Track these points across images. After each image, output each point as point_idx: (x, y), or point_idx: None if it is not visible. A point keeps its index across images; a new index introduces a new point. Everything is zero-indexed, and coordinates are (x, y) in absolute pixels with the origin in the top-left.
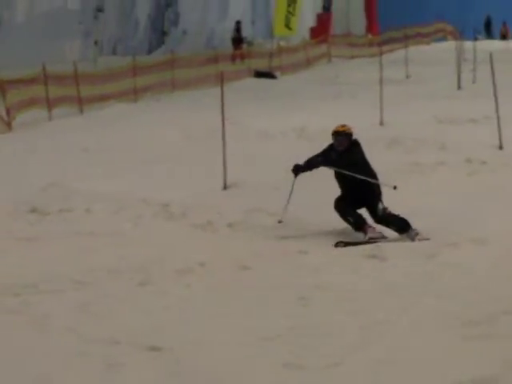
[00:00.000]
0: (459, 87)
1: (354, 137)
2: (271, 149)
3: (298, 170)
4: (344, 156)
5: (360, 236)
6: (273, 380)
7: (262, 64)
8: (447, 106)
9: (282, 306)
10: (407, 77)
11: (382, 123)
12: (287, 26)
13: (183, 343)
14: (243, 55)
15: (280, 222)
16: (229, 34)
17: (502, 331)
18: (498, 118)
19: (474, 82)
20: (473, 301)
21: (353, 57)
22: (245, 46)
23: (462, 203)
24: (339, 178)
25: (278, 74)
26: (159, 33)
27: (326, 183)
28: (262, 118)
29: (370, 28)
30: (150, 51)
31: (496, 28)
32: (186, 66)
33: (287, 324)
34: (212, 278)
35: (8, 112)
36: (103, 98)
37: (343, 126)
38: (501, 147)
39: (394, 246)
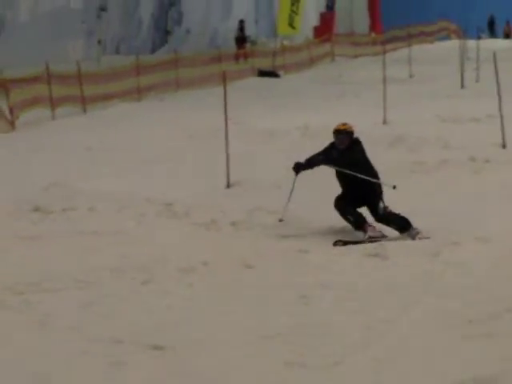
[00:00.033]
0: (462, 86)
1: (356, 135)
2: (274, 148)
3: (298, 168)
4: (345, 154)
5: (360, 235)
6: (274, 379)
7: (265, 63)
8: (450, 104)
9: (283, 305)
10: (410, 76)
11: (385, 122)
12: (291, 25)
13: (186, 342)
14: (247, 54)
15: (281, 220)
16: (232, 33)
17: (503, 330)
18: (502, 116)
19: (477, 81)
20: (474, 300)
21: (356, 56)
22: (248, 45)
23: (465, 202)
24: (340, 176)
25: (281, 73)
26: (163, 32)
27: (327, 182)
28: (265, 117)
29: (373, 27)
30: (153, 50)
31: (499, 27)
32: (190, 65)
33: (289, 323)
34: (215, 277)
35: (11, 111)
36: (106, 98)
37: (344, 124)
38: (504, 146)
39: (395, 245)
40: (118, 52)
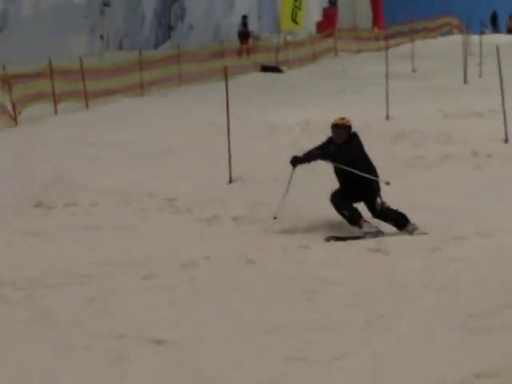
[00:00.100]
0: (465, 81)
1: (358, 130)
2: (277, 143)
3: (296, 161)
4: (342, 149)
5: (355, 230)
6: (275, 373)
7: (268, 58)
8: (453, 99)
9: (285, 300)
10: (413, 71)
11: (388, 117)
12: (294, 20)
13: (187, 336)
14: (249, 50)
15: (275, 218)
16: (235, 28)
17: (505, 325)
18: (504, 111)
19: (480, 76)
20: (476, 295)
21: (359, 51)
22: (251, 40)
23: (467, 197)
24: (338, 172)
25: (284, 68)
26: (165, 27)
27: (326, 176)
28: (267, 112)
29: (376, 22)
30: (156, 46)
31: (502, 22)
32: (193, 60)
33: (290, 318)
34: (217, 272)
35: (14, 106)
36: (109, 93)
37: (342, 118)
38: (506, 141)
39: (396, 240)
40: (120, 47)
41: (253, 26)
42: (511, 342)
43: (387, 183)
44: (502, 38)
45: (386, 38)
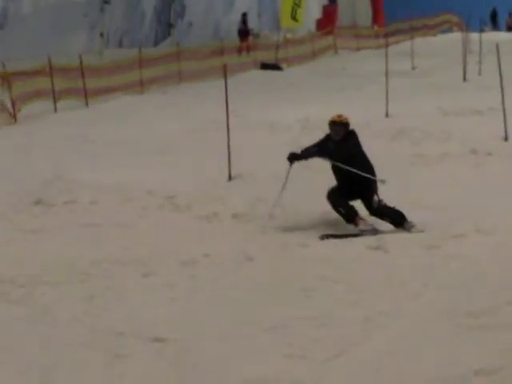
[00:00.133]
0: (465, 79)
1: (357, 128)
2: (276, 140)
3: (293, 158)
4: (340, 146)
5: (351, 228)
6: (275, 371)
7: (268, 56)
8: (453, 97)
9: (284, 298)
10: (413, 68)
11: (387, 115)
12: (293, 17)
13: (187, 334)
14: (249, 47)
15: (271, 216)
16: (235, 26)
17: (504, 322)
18: (504, 109)
19: (479, 74)
20: (475, 292)
21: (359, 48)
22: (251, 38)
23: (467, 194)
24: (335, 169)
25: (283, 65)
26: (165, 25)
27: (323, 173)
28: (267, 109)
29: (376, 20)
30: (156, 43)
31: (502, 19)
32: (192, 58)
33: (290, 315)
34: (216, 270)
35: (13, 104)
36: (109, 91)
37: (339, 115)
38: (506, 139)
39: (397, 238)
40: (120, 45)
41: (252, 24)
42: (510, 340)
43: (383, 181)
44: (502, 36)
45: (386, 35)
